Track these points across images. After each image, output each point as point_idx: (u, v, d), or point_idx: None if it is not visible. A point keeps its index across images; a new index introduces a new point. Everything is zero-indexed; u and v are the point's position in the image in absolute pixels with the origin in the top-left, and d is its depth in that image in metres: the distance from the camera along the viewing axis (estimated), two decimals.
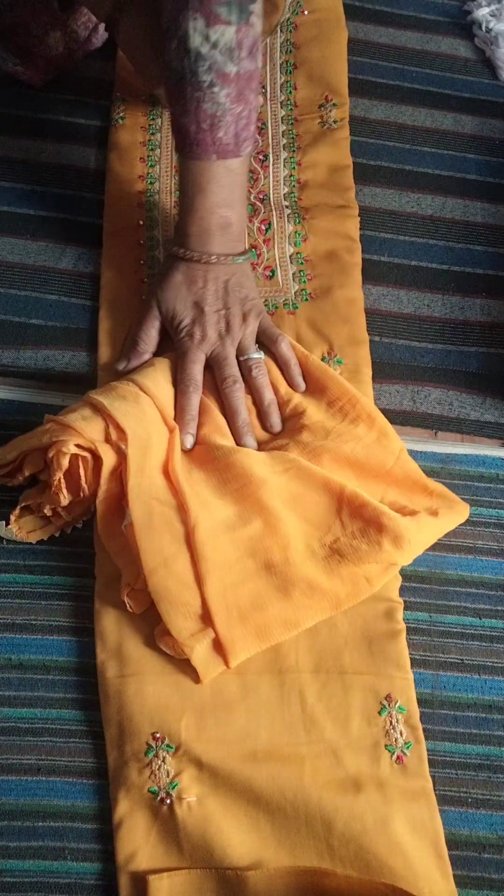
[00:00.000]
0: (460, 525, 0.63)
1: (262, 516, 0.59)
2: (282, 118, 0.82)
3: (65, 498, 0.58)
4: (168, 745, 0.54)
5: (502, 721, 0.58)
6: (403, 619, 0.60)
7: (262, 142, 0.80)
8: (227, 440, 0.63)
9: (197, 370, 0.64)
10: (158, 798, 0.53)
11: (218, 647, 0.56)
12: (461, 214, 0.80)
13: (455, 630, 0.61)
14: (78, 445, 0.57)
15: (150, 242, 0.75)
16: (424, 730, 0.57)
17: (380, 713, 0.57)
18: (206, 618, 0.56)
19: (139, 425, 0.59)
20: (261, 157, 0.80)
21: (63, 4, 0.76)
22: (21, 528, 0.61)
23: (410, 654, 0.59)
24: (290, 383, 0.66)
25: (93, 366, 0.70)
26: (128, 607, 0.58)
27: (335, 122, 0.81)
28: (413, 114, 0.85)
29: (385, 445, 0.64)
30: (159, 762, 0.54)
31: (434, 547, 0.62)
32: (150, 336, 0.67)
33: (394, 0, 0.91)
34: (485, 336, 0.74)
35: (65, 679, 0.58)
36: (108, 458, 0.58)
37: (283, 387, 0.66)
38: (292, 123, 0.82)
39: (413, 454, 0.65)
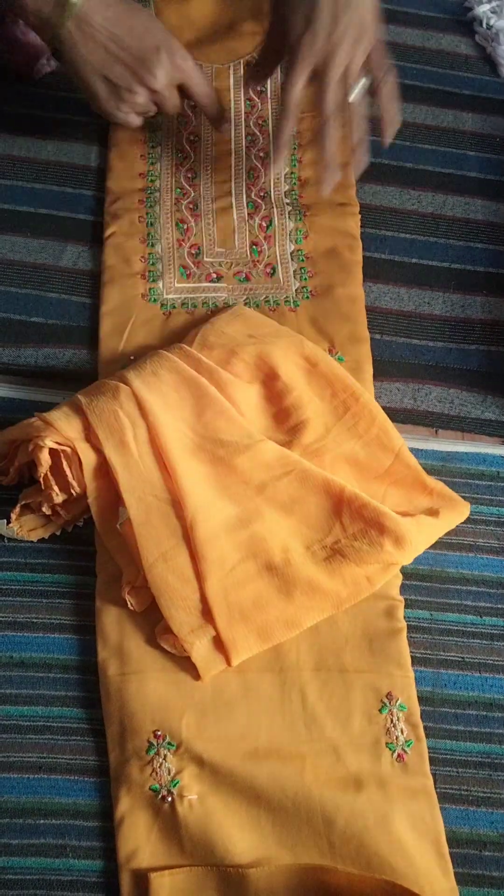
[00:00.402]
0: (461, 523, 0.63)
1: (263, 519, 0.59)
2: None
3: (57, 495, 0.58)
4: (169, 743, 0.54)
5: (503, 719, 0.58)
6: (404, 617, 0.60)
7: (262, 139, 0.80)
8: (231, 426, 0.61)
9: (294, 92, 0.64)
10: (160, 796, 0.53)
11: (219, 644, 0.56)
12: (462, 212, 0.80)
13: (456, 628, 0.61)
14: (57, 442, 0.58)
15: (150, 239, 0.75)
16: (425, 728, 0.57)
17: (380, 711, 0.57)
18: (207, 613, 0.56)
19: (115, 420, 0.58)
20: (262, 154, 0.80)
21: None
22: (22, 527, 0.61)
23: (411, 652, 0.59)
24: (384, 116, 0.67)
25: (93, 363, 0.70)
26: (129, 605, 0.58)
27: None
28: (413, 111, 0.85)
29: (385, 443, 0.64)
30: (160, 760, 0.54)
31: (435, 545, 0.62)
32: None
33: None
34: (486, 334, 0.74)
35: (66, 677, 0.58)
36: (87, 457, 0.58)
37: (285, 376, 0.65)
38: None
39: (414, 452, 0.65)
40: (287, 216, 0.77)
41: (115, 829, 0.53)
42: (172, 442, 0.60)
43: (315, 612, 0.58)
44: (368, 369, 0.70)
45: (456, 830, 0.55)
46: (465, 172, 0.82)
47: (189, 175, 0.79)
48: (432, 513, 0.62)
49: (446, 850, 0.53)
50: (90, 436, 0.59)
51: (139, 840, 0.52)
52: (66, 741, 0.56)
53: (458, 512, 0.63)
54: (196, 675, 0.56)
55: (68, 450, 0.58)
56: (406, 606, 0.61)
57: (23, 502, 0.61)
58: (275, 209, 0.77)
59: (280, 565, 0.58)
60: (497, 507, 0.66)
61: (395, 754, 0.56)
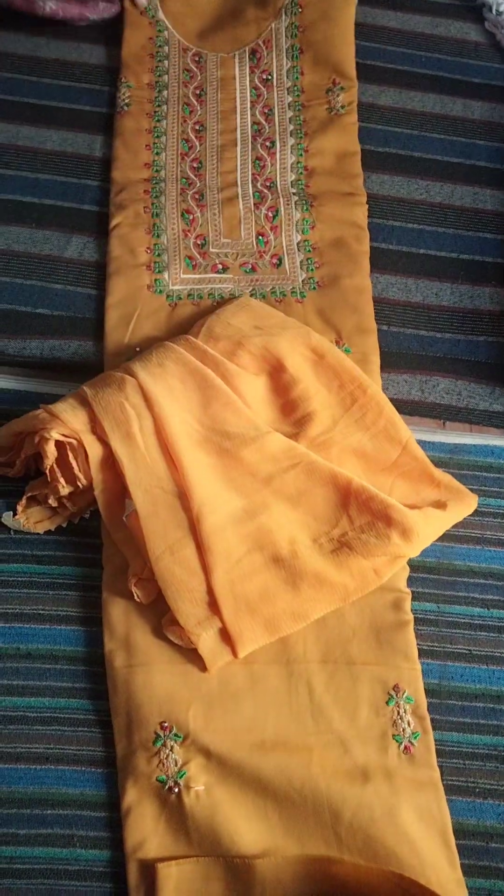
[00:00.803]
0: (468, 515, 0.63)
1: (270, 511, 0.59)
2: (289, 104, 0.81)
3: (63, 487, 0.58)
4: (176, 735, 0.55)
5: None
6: (411, 610, 0.60)
7: (269, 128, 0.80)
8: (237, 417, 0.61)
9: None
10: (167, 787, 0.53)
11: (225, 636, 0.56)
12: (471, 202, 0.79)
13: (463, 620, 0.61)
14: (64, 434, 0.57)
15: (156, 230, 0.75)
16: (432, 720, 0.57)
17: (387, 703, 0.57)
18: (214, 605, 0.56)
19: (121, 412, 0.59)
20: (268, 143, 0.79)
21: None
22: (28, 519, 0.61)
23: (418, 644, 0.59)
24: None
25: (99, 355, 0.70)
26: (135, 597, 0.58)
27: (343, 107, 0.80)
28: (422, 99, 0.84)
29: (392, 435, 0.63)
30: (167, 751, 0.54)
31: (442, 537, 0.62)
32: None
33: None
34: (494, 325, 0.73)
35: (73, 668, 0.58)
36: (93, 450, 0.58)
37: (292, 368, 0.64)
38: (299, 109, 0.81)
39: (421, 444, 0.64)
40: (293, 206, 0.76)
41: (123, 820, 0.53)
42: (178, 434, 0.60)
43: (322, 605, 0.57)
44: (376, 360, 0.70)
45: (463, 822, 0.55)
46: (474, 162, 0.81)
47: (195, 165, 0.78)
48: (440, 505, 0.61)
49: (453, 841, 0.53)
50: (96, 428, 0.59)
51: (146, 830, 0.53)
52: (74, 732, 0.56)
53: (465, 504, 0.63)
54: (203, 666, 0.56)
55: (74, 442, 0.58)
56: (413, 599, 0.61)
57: (29, 494, 0.61)
58: (281, 199, 0.76)
59: (287, 557, 0.58)
60: None
61: (402, 746, 0.56)
